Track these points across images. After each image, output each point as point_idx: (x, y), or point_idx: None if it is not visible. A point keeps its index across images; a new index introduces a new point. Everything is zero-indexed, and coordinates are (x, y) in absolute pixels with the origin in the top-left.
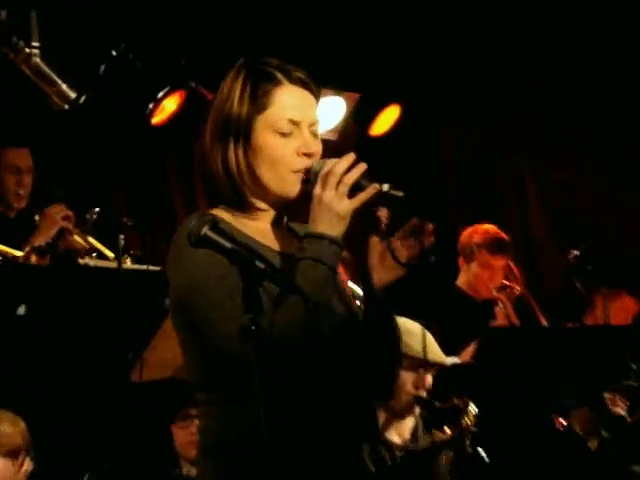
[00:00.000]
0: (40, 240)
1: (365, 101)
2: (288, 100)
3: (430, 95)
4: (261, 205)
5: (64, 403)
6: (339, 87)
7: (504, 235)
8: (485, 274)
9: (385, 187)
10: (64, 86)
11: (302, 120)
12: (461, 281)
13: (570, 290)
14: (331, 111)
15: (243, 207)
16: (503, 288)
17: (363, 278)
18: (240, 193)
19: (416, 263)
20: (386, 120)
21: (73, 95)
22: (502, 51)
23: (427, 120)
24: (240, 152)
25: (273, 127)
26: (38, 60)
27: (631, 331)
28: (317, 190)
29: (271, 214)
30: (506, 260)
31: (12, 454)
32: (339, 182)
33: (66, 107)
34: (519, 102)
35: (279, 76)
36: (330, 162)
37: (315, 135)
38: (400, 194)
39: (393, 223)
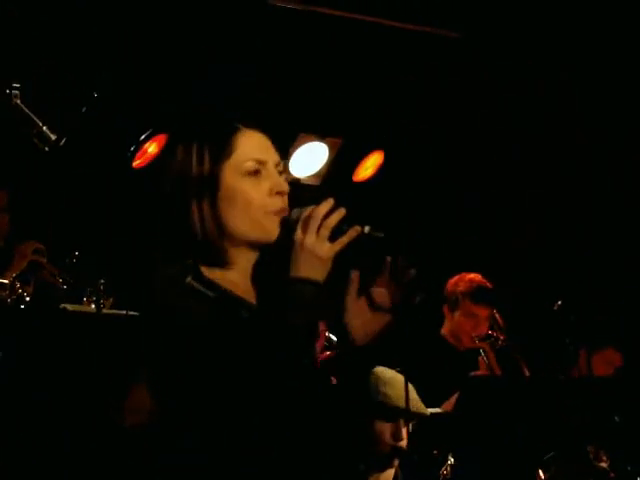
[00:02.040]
0: (12, 274)
1: (348, 147)
2: (250, 142)
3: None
4: (236, 253)
5: (42, 446)
6: (322, 133)
7: (489, 284)
8: (469, 323)
9: (366, 229)
10: (44, 128)
11: (268, 159)
12: (444, 330)
13: (554, 341)
14: (314, 156)
15: (217, 260)
16: (487, 338)
17: (342, 334)
18: (216, 246)
19: (400, 306)
20: (370, 166)
21: (54, 137)
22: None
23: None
24: (207, 207)
25: (241, 170)
26: (18, 101)
27: (614, 383)
28: (298, 234)
29: (246, 263)
30: (490, 310)
31: None
32: (320, 226)
33: (46, 149)
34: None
35: (235, 123)
36: (309, 208)
37: (281, 174)
38: (381, 235)
39: (374, 269)
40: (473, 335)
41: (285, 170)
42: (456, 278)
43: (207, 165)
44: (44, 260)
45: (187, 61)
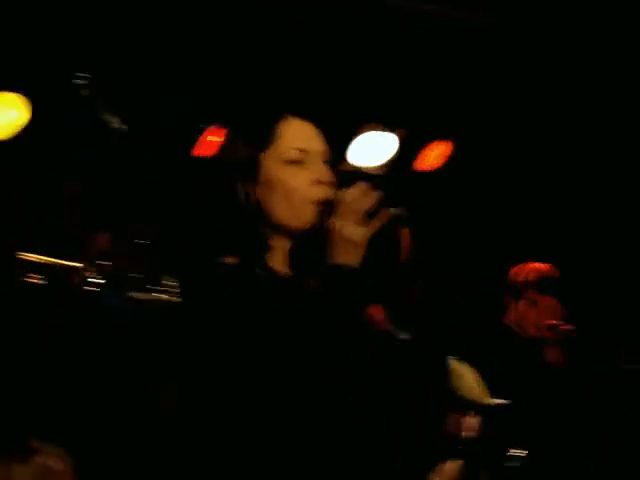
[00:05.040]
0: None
1: (412, 136)
2: (294, 131)
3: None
4: (276, 239)
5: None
6: (386, 123)
7: (555, 274)
8: (533, 313)
9: (396, 211)
10: (111, 117)
11: (311, 149)
12: (508, 319)
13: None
14: (382, 146)
15: (260, 246)
16: (552, 327)
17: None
18: (259, 231)
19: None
20: (436, 155)
21: (120, 126)
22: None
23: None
24: (247, 192)
25: (283, 158)
26: (86, 91)
27: None
28: (332, 220)
29: (283, 249)
30: (555, 299)
31: None
32: (352, 211)
33: (112, 138)
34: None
35: (280, 112)
36: (342, 193)
37: (327, 164)
38: (407, 216)
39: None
40: (538, 324)
41: (343, 161)
42: (520, 267)
43: (247, 151)
44: (111, 250)
45: (249, 50)
